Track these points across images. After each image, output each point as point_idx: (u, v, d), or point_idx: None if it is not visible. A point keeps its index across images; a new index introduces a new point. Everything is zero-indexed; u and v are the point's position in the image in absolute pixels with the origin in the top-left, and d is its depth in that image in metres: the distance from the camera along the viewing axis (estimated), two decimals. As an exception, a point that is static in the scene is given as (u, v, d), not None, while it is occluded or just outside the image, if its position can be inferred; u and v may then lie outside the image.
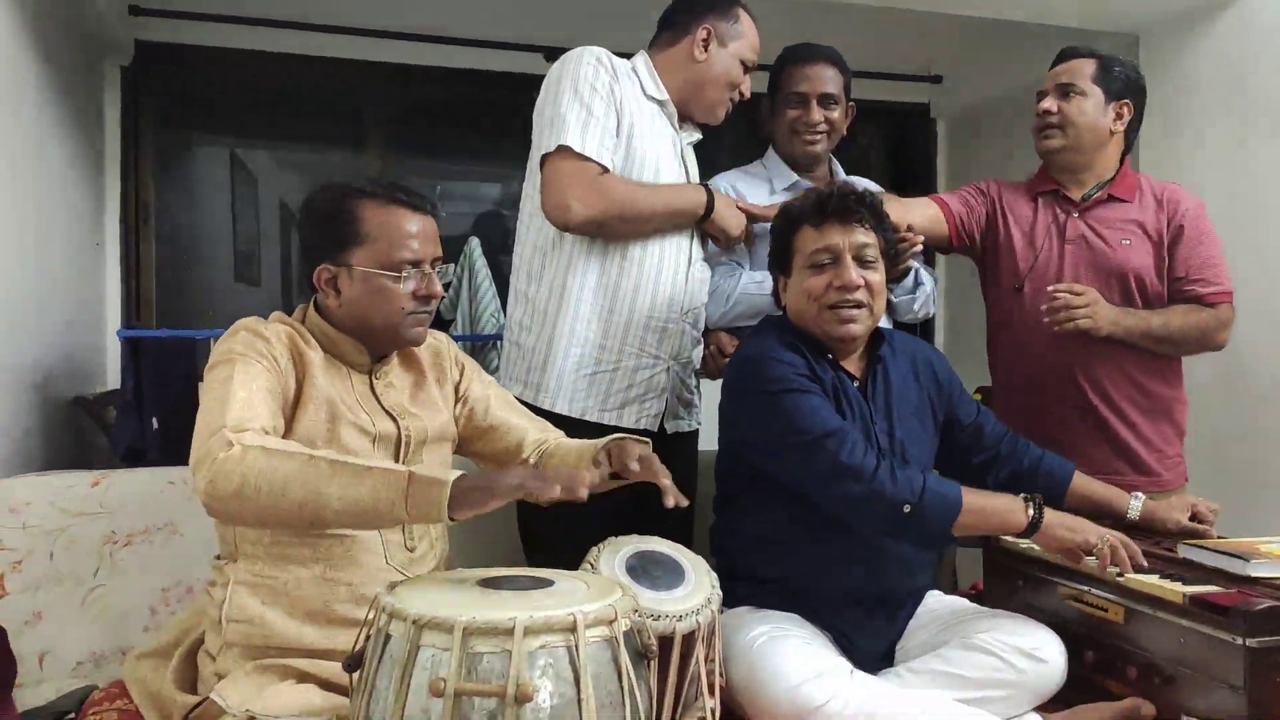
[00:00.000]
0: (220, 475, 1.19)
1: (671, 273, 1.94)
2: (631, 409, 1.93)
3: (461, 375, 1.64)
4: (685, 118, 2.03)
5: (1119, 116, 2.11)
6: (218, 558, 1.47)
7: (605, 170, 1.82)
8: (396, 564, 1.43)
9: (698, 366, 2.09)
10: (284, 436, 1.36)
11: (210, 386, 1.34)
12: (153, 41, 3.31)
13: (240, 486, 1.19)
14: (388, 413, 1.48)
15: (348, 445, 1.41)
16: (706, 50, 1.94)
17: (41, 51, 2.33)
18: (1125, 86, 2.11)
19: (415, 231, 1.44)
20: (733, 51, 1.96)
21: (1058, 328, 1.94)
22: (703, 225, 1.96)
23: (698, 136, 2.08)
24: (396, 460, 1.47)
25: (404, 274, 1.43)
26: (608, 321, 1.89)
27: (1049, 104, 2.10)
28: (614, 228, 1.85)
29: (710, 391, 2.07)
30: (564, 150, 1.80)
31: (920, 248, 2.00)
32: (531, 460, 1.62)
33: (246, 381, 1.32)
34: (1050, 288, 1.96)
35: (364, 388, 1.48)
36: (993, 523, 1.62)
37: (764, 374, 1.64)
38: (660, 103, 1.96)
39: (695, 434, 2.10)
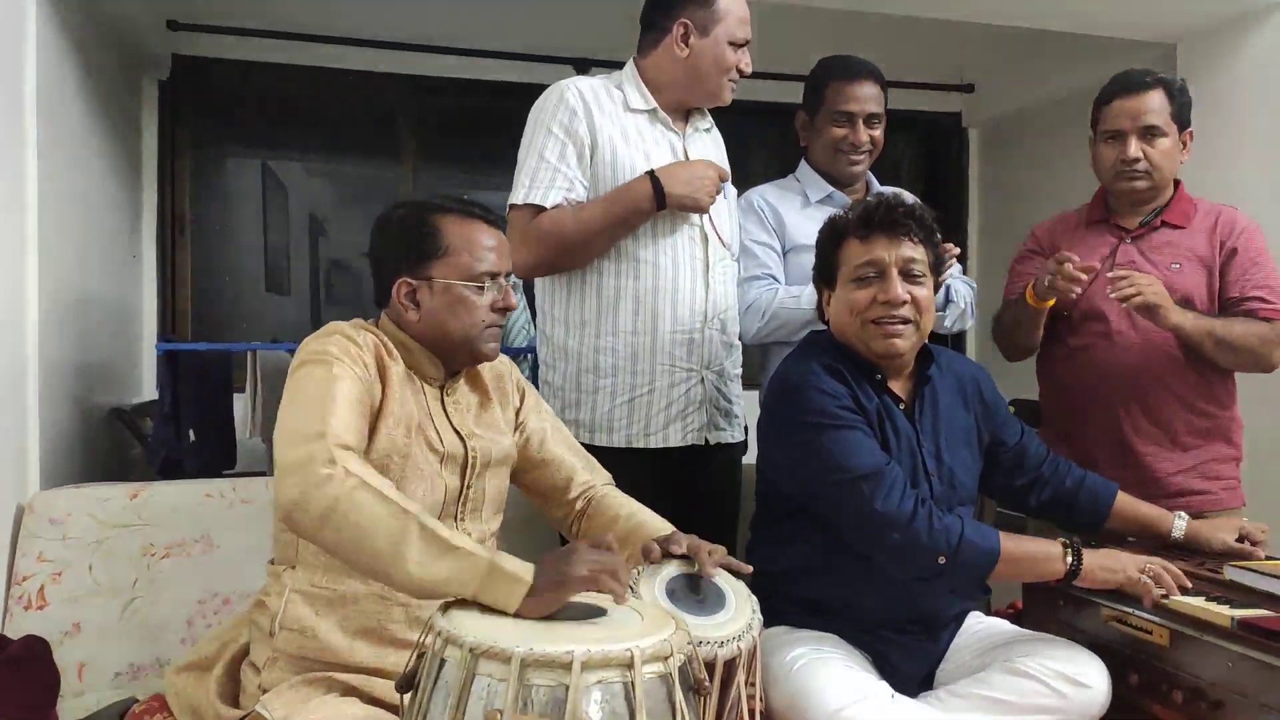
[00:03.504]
0: (314, 491, 1.18)
1: (689, 281, 1.93)
2: (675, 427, 1.92)
3: (522, 402, 1.64)
4: (693, 110, 2.00)
5: (1184, 146, 2.08)
6: (272, 562, 1.46)
7: (543, 209, 1.82)
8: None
9: (736, 373, 2.07)
10: (365, 446, 1.36)
11: (302, 384, 1.33)
12: (190, 56, 3.35)
13: (328, 511, 1.17)
14: (456, 431, 1.48)
15: (418, 463, 1.41)
16: (687, 45, 1.89)
17: (82, 65, 2.37)
18: (1187, 114, 2.07)
19: (493, 245, 1.47)
20: (716, 38, 1.89)
21: (1126, 303, 1.90)
22: (670, 209, 1.87)
23: (709, 125, 2.05)
24: (462, 481, 1.47)
25: (485, 286, 1.45)
26: (633, 345, 1.89)
27: (1135, 150, 2.02)
28: (564, 260, 1.85)
29: (750, 401, 2.06)
30: (513, 209, 1.86)
31: (955, 258, 1.96)
32: (578, 507, 1.62)
33: (344, 390, 1.31)
34: (1109, 274, 1.93)
35: (436, 404, 1.49)
36: (1031, 572, 1.59)
37: (804, 404, 1.59)
38: (648, 111, 1.94)
39: (739, 445, 2.07)
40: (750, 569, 1.45)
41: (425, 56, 3.52)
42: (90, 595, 1.81)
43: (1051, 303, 2.01)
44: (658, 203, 1.84)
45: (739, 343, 2.08)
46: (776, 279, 2.10)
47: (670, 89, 1.94)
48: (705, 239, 1.95)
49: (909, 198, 1.85)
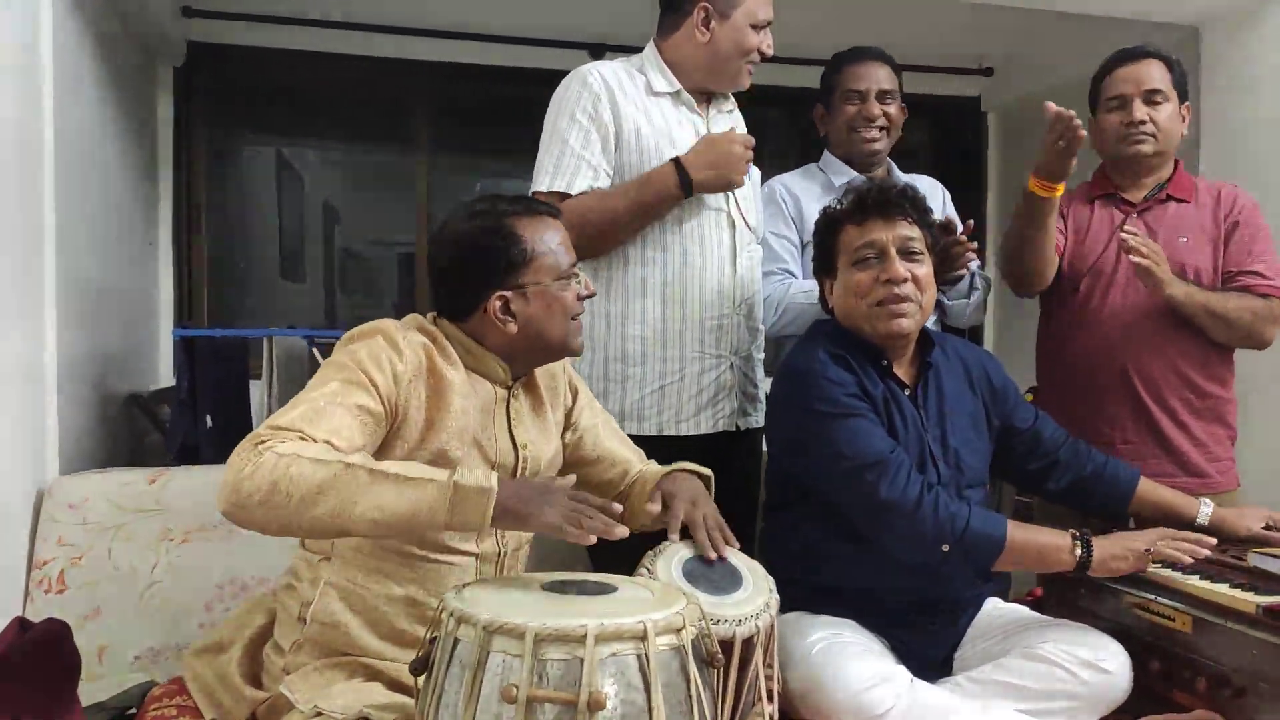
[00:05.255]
0: (245, 484, 1.15)
1: (716, 268, 1.92)
2: (706, 414, 1.92)
3: (574, 401, 1.62)
4: (713, 93, 1.99)
5: (1184, 119, 2.11)
6: (304, 546, 1.44)
7: (568, 197, 1.81)
8: None
9: (760, 358, 2.07)
10: (409, 457, 1.32)
11: (314, 379, 1.32)
12: (204, 42, 3.35)
13: (269, 494, 1.14)
14: (513, 440, 1.46)
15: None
16: (708, 29, 1.88)
17: (97, 52, 2.37)
18: (1185, 87, 2.11)
19: (562, 239, 1.45)
20: (736, 21, 1.88)
21: (1132, 257, 1.89)
22: (697, 194, 1.86)
23: (731, 106, 2.04)
24: None
25: (573, 280, 1.44)
26: (662, 333, 1.88)
27: (1140, 113, 2.05)
28: (588, 247, 1.82)
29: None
30: (536, 196, 1.83)
31: (974, 255, 1.94)
32: (622, 487, 1.62)
33: (337, 394, 1.26)
34: (1123, 229, 1.95)
35: (501, 408, 1.46)
36: (1038, 563, 1.59)
37: (811, 392, 1.61)
38: (671, 94, 1.93)
39: (761, 430, 2.05)
40: (737, 544, 1.47)
41: (439, 43, 3.50)
42: (109, 579, 1.82)
43: (1060, 189, 1.92)
44: (684, 190, 1.82)
45: (762, 327, 2.08)
46: (791, 273, 2.10)
47: (690, 72, 1.93)
48: (732, 224, 1.95)
49: (926, 183, 1.83)
